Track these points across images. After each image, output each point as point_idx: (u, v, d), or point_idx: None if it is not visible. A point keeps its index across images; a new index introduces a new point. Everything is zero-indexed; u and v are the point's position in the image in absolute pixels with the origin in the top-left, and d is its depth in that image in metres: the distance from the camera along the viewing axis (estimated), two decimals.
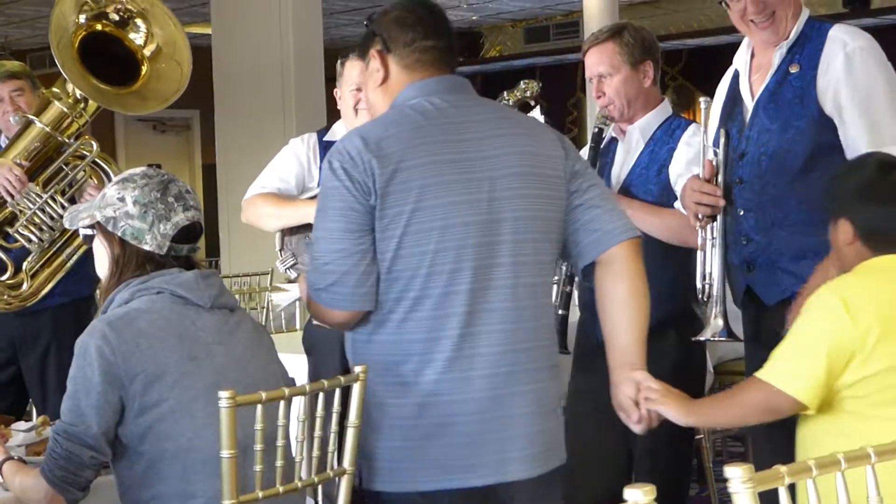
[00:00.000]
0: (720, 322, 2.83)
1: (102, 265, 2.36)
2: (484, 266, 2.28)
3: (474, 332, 2.25)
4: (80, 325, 3.90)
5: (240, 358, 2.33)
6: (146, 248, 2.26)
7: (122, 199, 2.29)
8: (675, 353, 3.08)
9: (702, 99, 3.05)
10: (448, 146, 2.30)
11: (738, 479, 1.41)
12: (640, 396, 2.30)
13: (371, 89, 2.46)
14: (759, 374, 2.33)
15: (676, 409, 2.33)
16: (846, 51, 2.64)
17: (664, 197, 3.11)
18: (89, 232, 2.37)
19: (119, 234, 2.26)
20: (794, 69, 2.69)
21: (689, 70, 10.29)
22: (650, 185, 3.14)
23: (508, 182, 2.30)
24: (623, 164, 3.25)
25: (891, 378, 2.27)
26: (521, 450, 2.25)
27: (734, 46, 4.36)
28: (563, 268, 3.15)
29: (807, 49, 2.69)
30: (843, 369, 2.26)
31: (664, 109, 3.27)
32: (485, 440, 2.20)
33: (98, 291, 3.85)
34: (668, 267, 3.03)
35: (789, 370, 2.32)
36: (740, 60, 2.87)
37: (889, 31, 9.03)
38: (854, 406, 2.30)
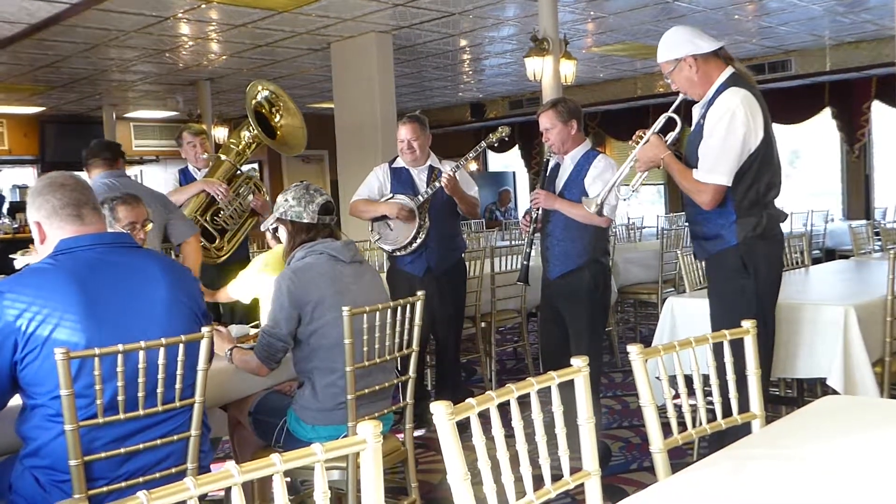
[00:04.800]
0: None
1: (283, 238, 2.81)
2: None
3: None
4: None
5: (365, 291, 2.75)
6: (306, 220, 2.71)
7: (286, 200, 2.77)
8: (591, 282, 3.76)
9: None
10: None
11: (635, 352, 1.76)
12: None
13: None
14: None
15: None
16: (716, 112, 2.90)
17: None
18: (273, 227, 2.85)
19: (288, 218, 2.75)
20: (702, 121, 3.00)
21: (602, 123, 13.95)
22: (575, 190, 3.71)
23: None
24: (562, 177, 3.81)
25: None
26: None
27: (626, 110, 7.82)
28: (530, 233, 3.75)
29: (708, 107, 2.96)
30: None
31: (586, 146, 3.80)
32: None
33: (251, 252, 4.91)
34: (584, 234, 3.68)
35: None
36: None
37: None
38: None
